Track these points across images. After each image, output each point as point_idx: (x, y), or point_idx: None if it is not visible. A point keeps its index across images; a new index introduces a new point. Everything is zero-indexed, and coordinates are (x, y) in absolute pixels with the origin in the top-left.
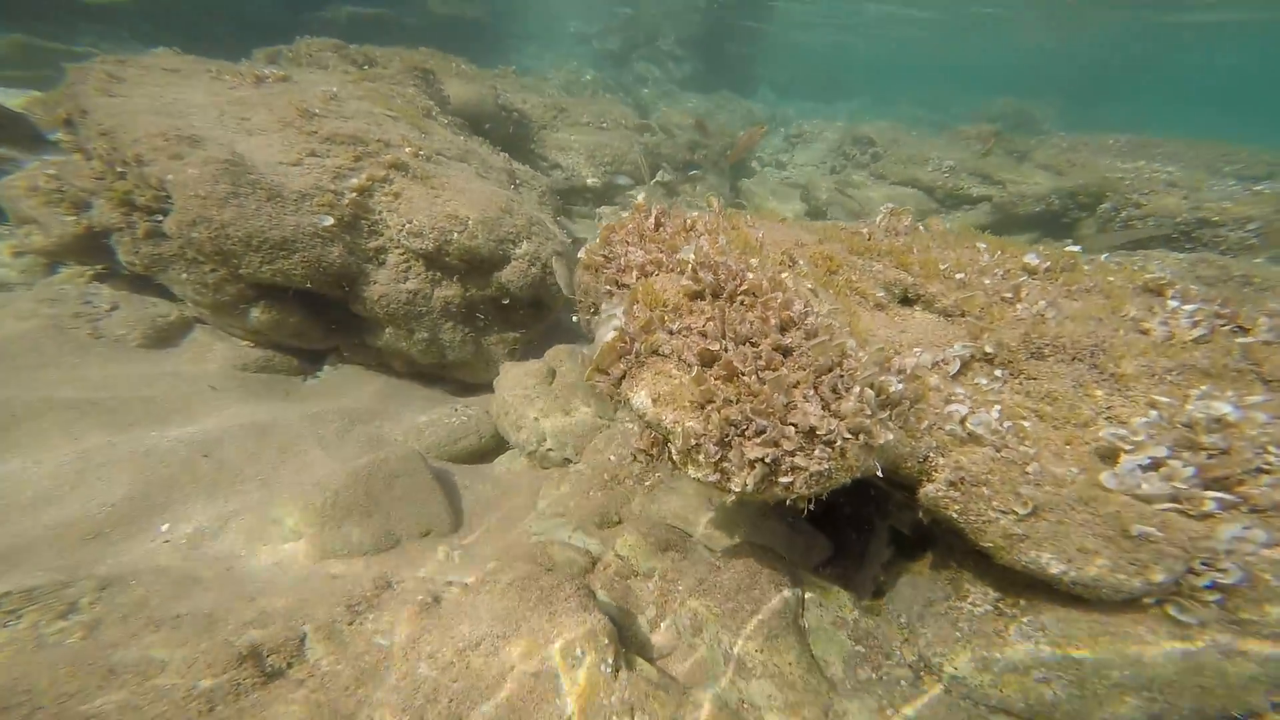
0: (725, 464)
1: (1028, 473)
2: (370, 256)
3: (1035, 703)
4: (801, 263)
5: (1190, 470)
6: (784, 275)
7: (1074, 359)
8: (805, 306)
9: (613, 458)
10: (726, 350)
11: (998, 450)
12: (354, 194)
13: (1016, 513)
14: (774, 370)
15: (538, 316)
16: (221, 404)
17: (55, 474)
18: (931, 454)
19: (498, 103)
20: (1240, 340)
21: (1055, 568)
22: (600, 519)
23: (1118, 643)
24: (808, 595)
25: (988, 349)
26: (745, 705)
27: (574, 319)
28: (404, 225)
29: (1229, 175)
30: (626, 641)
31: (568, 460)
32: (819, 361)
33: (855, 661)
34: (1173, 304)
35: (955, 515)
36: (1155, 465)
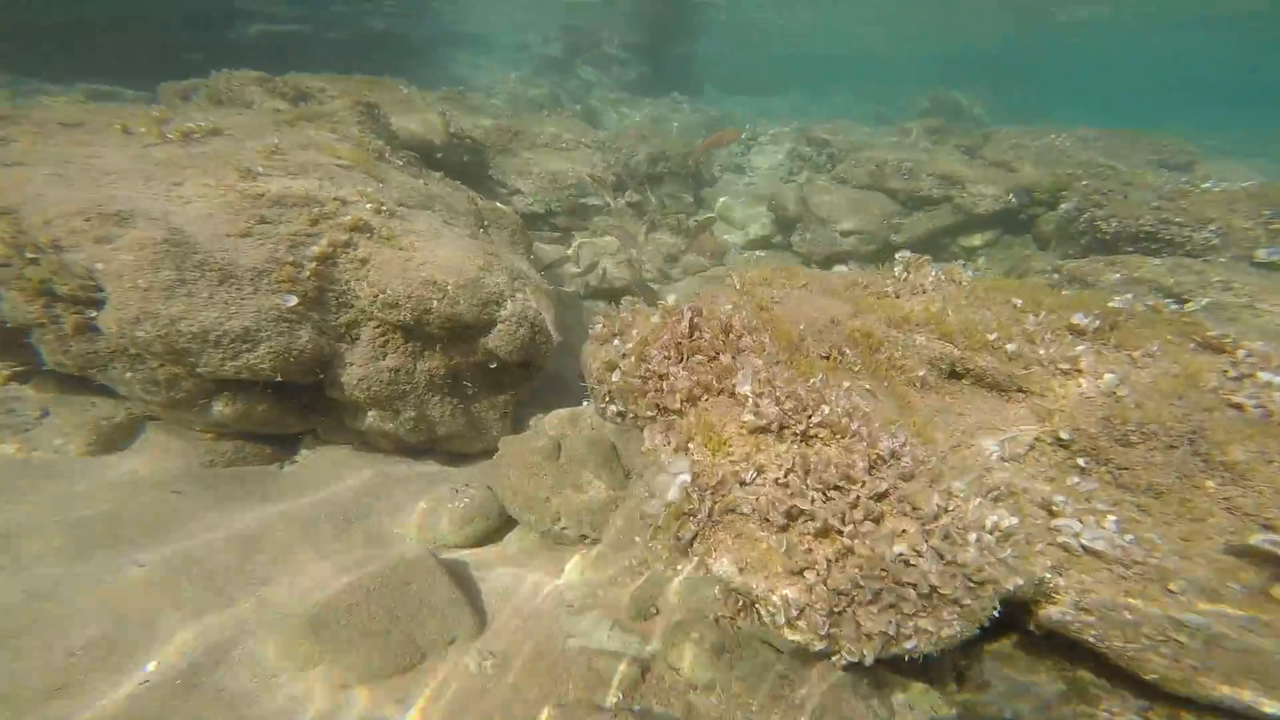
0: (837, 632)
1: (1171, 590)
2: (342, 334)
3: None
4: (849, 353)
5: None
6: (856, 400)
7: (1169, 446)
8: (894, 442)
9: (637, 539)
10: (814, 502)
11: (1126, 567)
12: (315, 264)
13: (1181, 642)
14: (874, 522)
15: (527, 376)
16: (194, 512)
17: (3, 619)
18: (1046, 574)
19: (449, 131)
20: None
21: (1270, 707)
22: (637, 610)
23: None
24: (898, 698)
25: (1063, 435)
26: None
27: (581, 383)
28: (377, 296)
29: (1158, 166)
30: None
31: (583, 537)
32: (923, 508)
33: None
34: (1254, 370)
35: (1089, 639)
36: None
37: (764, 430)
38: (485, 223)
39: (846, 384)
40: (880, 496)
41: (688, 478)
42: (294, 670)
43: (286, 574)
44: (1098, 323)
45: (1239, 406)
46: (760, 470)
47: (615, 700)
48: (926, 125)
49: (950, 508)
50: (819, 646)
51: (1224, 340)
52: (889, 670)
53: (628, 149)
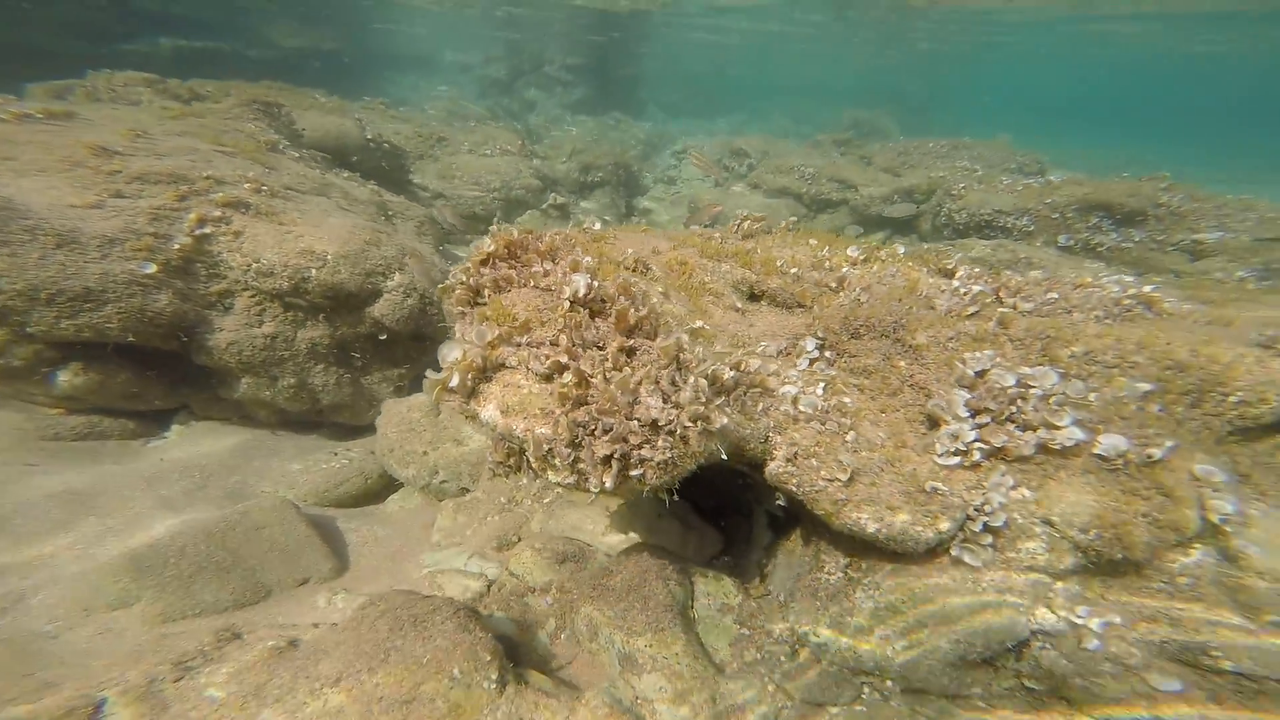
0: (580, 465)
1: (847, 441)
2: (213, 302)
3: (881, 659)
4: (655, 268)
5: (961, 427)
6: (636, 284)
7: (881, 335)
8: (647, 310)
9: (508, 479)
10: (576, 358)
11: (823, 424)
12: (185, 237)
13: (839, 479)
14: (620, 371)
15: (422, 350)
16: (20, 477)
17: None
18: (771, 434)
19: (364, 134)
20: (990, 310)
21: (871, 527)
22: (499, 542)
23: (929, 593)
24: (699, 587)
25: (819, 334)
26: (639, 700)
27: None
28: (250, 265)
29: (1014, 171)
30: (524, 657)
31: (465, 490)
32: (660, 359)
33: (741, 644)
34: (955, 284)
35: (794, 489)
36: (944, 423)
37: (552, 308)
38: (390, 213)
39: (638, 281)
40: (631, 352)
41: (470, 336)
42: (105, 610)
43: (120, 527)
44: (864, 255)
45: (932, 306)
46: (530, 331)
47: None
48: (835, 138)
49: (682, 361)
50: (570, 480)
51: (950, 267)
52: (703, 566)
53: (560, 159)
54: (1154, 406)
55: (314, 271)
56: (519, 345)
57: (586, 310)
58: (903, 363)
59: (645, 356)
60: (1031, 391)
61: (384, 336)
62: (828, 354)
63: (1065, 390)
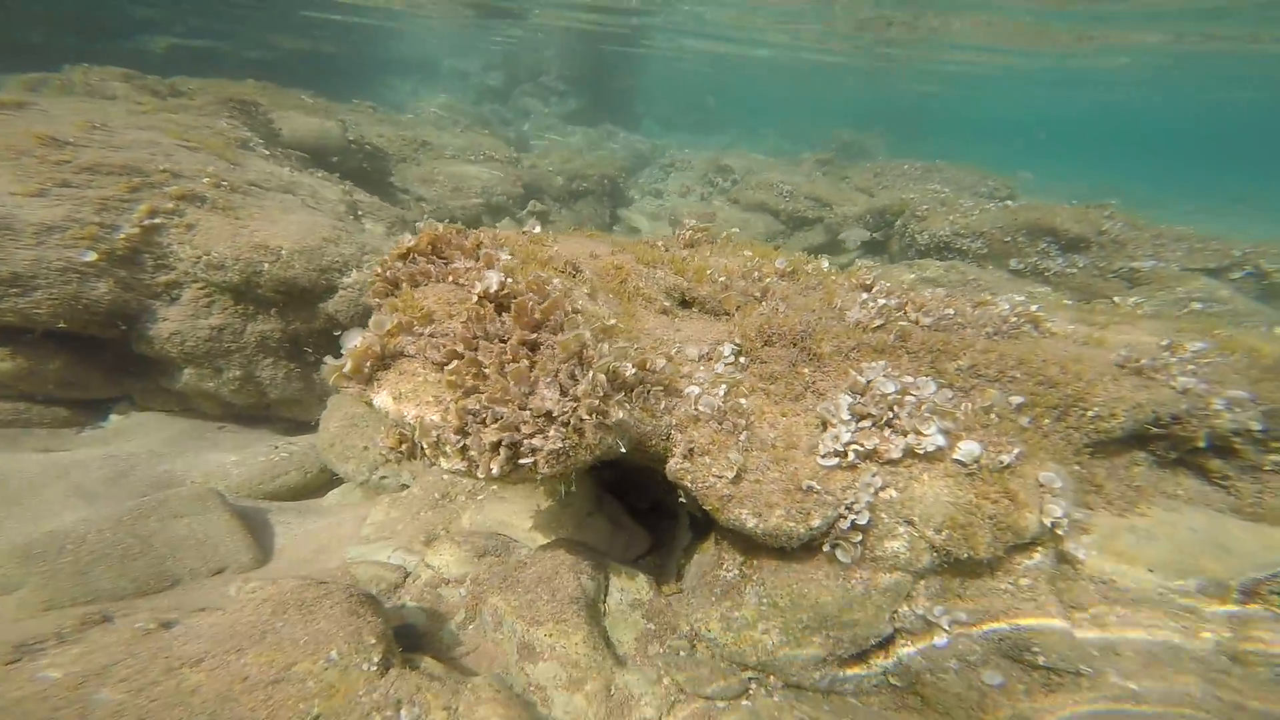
0: (470, 452)
1: (740, 441)
2: (159, 292)
3: (762, 653)
4: (587, 272)
5: (843, 430)
6: (551, 281)
7: (790, 344)
8: (548, 303)
9: (445, 475)
10: (474, 348)
11: (720, 424)
12: (132, 227)
13: (726, 476)
14: (517, 362)
15: None
16: None
17: None
18: (674, 431)
19: (345, 136)
20: (892, 324)
21: (750, 522)
22: (427, 536)
23: (805, 588)
24: (616, 583)
25: (737, 340)
26: (532, 687)
27: None
28: (200, 258)
29: (983, 195)
30: (430, 645)
31: (405, 486)
32: (560, 354)
33: (647, 638)
34: (864, 297)
35: (689, 484)
36: (829, 427)
37: (461, 301)
38: (360, 213)
39: (557, 280)
40: (534, 346)
41: (370, 332)
42: None
43: (25, 514)
44: (790, 268)
45: (844, 318)
46: (434, 322)
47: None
48: (819, 158)
49: (584, 357)
50: (459, 466)
51: (868, 281)
52: (627, 564)
53: (546, 167)
54: (1024, 418)
55: (267, 266)
56: (419, 335)
57: (495, 305)
58: (807, 370)
59: (547, 351)
60: (907, 399)
61: (338, 333)
62: (742, 359)
63: (936, 399)
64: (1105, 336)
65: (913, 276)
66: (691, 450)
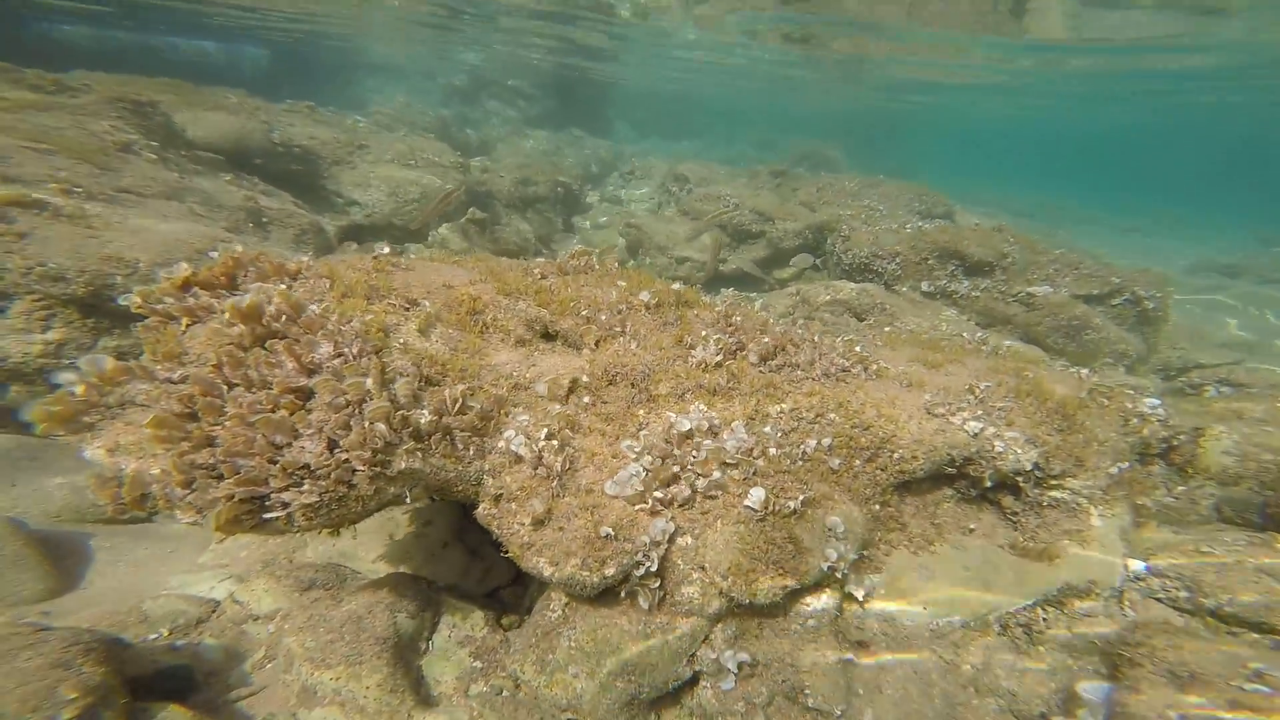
0: (198, 504)
1: (552, 486)
2: None
3: (572, 697)
4: (426, 304)
5: (645, 473)
6: (336, 322)
7: (631, 384)
8: (335, 350)
9: None
10: (231, 393)
11: (534, 469)
12: None
13: (526, 524)
14: (284, 411)
15: None
16: None
17: None
18: (486, 476)
19: (270, 137)
20: (729, 364)
21: (547, 570)
22: (264, 565)
23: (609, 632)
24: (447, 620)
25: (584, 378)
26: None
27: None
28: (32, 268)
29: (918, 213)
30: (210, 687)
31: None
32: (332, 402)
33: (471, 676)
34: (706, 334)
35: (496, 530)
36: (637, 471)
37: (239, 344)
38: (264, 220)
39: (369, 316)
40: (307, 394)
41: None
42: None
43: None
44: (655, 300)
45: (691, 357)
46: (184, 364)
47: (156, 637)
48: (773, 169)
49: (364, 407)
50: (188, 519)
51: (727, 315)
52: (463, 598)
53: (499, 173)
54: (835, 460)
55: (120, 279)
56: (165, 381)
57: (258, 339)
58: (642, 411)
59: (320, 398)
60: (706, 445)
61: None
62: (585, 398)
63: (735, 444)
64: (927, 379)
65: (828, 298)
66: (499, 496)
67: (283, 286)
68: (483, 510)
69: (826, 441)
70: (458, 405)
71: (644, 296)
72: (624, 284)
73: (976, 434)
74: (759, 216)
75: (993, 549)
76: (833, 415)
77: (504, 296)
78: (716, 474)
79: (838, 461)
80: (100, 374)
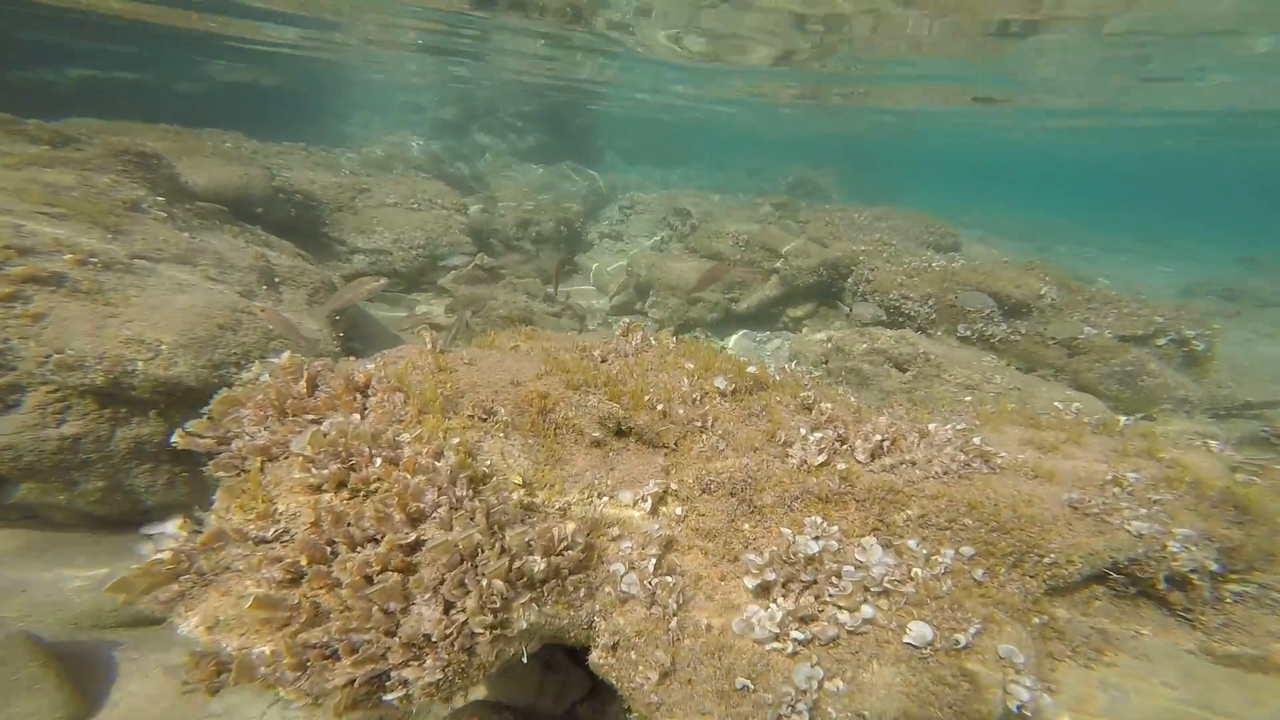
0: (313, 691)
1: (670, 629)
2: None
3: None
4: (503, 411)
5: (780, 611)
6: (429, 455)
7: (730, 494)
8: (439, 495)
9: None
10: (336, 555)
11: (649, 607)
12: None
13: (652, 679)
14: (394, 573)
15: None
16: None
17: None
18: (596, 618)
19: (271, 184)
20: (840, 466)
21: None
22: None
23: None
24: None
25: (674, 485)
26: None
27: None
28: (49, 357)
29: (929, 244)
30: None
31: None
32: (446, 560)
33: None
34: (803, 431)
35: (614, 681)
36: (764, 604)
37: (319, 490)
38: (276, 279)
39: (456, 440)
40: (414, 548)
41: (176, 540)
42: None
43: None
44: (733, 387)
45: (788, 454)
46: (285, 529)
47: None
48: (775, 201)
49: (478, 559)
50: (305, 703)
51: (811, 401)
52: (560, 717)
53: (498, 213)
54: (978, 570)
55: (141, 365)
56: (262, 541)
57: (355, 493)
58: (747, 525)
59: (430, 555)
60: (845, 569)
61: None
62: (678, 510)
63: (879, 569)
64: (1055, 468)
65: (865, 347)
66: (616, 643)
67: (356, 418)
68: (597, 658)
69: (967, 551)
70: (565, 543)
71: (719, 384)
72: (692, 366)
73: (1142, 534)
74: (770, 254)
75: (1185, 657)
76: (966, 520)
77: (572, 390)
78: (867, 609)
79: (981, 573)
80: (190, 541)
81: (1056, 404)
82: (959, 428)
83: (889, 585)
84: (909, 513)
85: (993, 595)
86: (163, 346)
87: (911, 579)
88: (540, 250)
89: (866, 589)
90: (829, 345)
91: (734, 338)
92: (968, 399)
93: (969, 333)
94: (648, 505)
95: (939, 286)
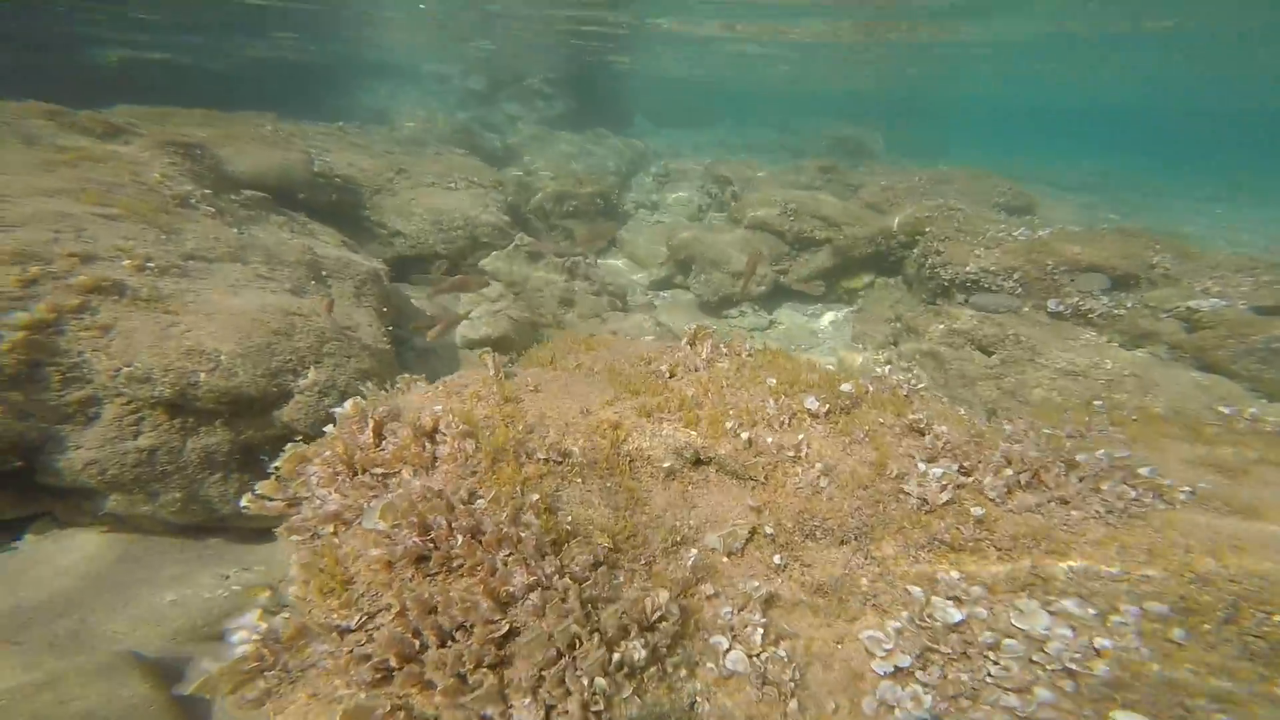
0: None
1: (788, 711)
2: (70, 414)
3: None
4: (577, 451)
5: (928, 697)
6: (509, 519)
7: (841, 541)
8: (528, 575)
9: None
10: (425, 649)
11: (760, 687)
12: (23, 333)
13: None
14: (489, 669)
15: None
16: None
17: None
18: (698, 699)
19: (312, 169)
20: (967, 503)
21: None
22: None
23: None
24: None
25: (768, 529)
26: None
27: None
28: (121, 369)
29: (1000, 207)
30: None
31: None
32: (539, 656)
33: None
34: (922, 466)
35: None
36: (903, 679)
37: (391, 564)
38: (324, 273)
39: (535, 497)
40: (510, 635)
41: (261, 625)
42: None
43: None
44: (826, 407)
45: (903, 490)
46: (368, 615)
47: None
48: (820, 165)
49: (578, 651)
50: None
51: (921, 424)
52: None
53: (534, 186)
54: (1176, 631)
55: (203, 376)
56: (345, 631)
57: (434, 564)
58: (865, 580)
59: (525, 647)
60: (1012, 648)
61: (300, 438)
62: (776, 558)
63: (1059, 646)
64: (1257, 500)
65: (942, 328)
66: None
67: (424, 485)
68: None
69: (1158, 608)
70: (658, 613)
71: (810, 404)
72: (774, 382)
73: None
74: (822, 222)
75: None
76: (1149, 571)
77: (644, 418)
78: (1045, 693)
79: (1181, 633)
80: (275, 638)
81: (1222, 409)
82: (1118, 455)
83: (1074, 666)
84: (1071, 563)
85: (1198, 659)
86: (222, 356)
87: (1098, 655)
88: (577, 227)
89: (1047, 669)
90: (897, 324)
91: (781, 310)
92: (1072, 388)
93: (1060, 308)
94: (732, 543)
95: (1025, 259)
